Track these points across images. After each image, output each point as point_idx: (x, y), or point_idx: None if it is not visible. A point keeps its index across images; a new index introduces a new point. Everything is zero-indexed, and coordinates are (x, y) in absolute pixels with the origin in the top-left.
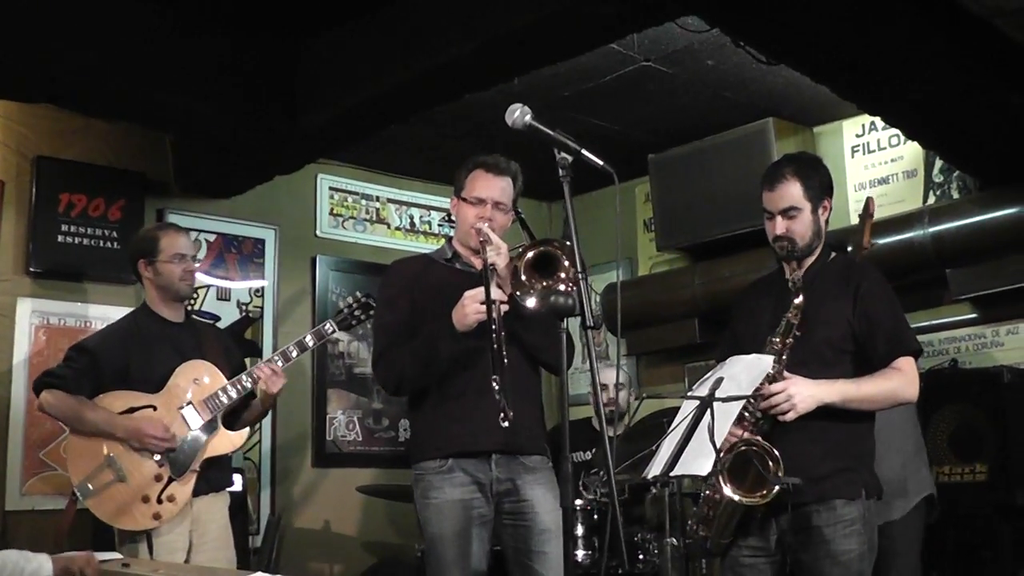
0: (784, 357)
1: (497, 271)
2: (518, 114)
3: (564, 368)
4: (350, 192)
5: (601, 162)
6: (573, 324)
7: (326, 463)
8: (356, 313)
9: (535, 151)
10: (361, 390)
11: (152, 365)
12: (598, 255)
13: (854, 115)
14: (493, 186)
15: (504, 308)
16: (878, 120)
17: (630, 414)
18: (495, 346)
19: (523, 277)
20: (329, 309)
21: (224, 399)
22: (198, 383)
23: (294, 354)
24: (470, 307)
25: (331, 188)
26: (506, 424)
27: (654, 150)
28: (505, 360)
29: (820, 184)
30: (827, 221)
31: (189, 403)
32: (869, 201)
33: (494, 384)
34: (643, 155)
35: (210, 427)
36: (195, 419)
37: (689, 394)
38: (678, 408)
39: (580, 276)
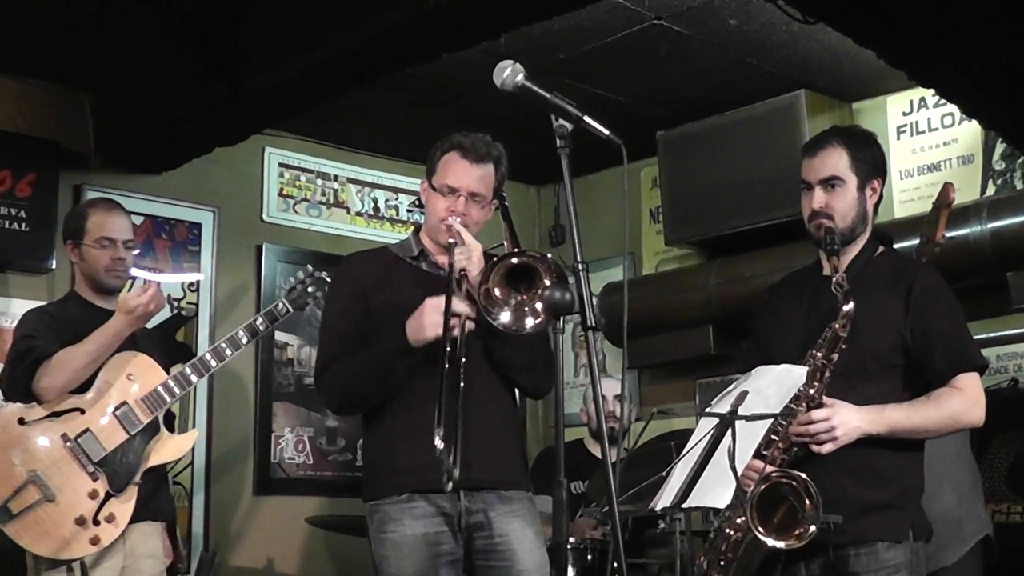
0: (826, 376)
1: (468, 278)
2: (509, 72)
3: (547, 389)
4: (303, 170)
5: (607, 131)
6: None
7: (270, 489)
8: (311, 290)
9: (523, 125)
10: (313, 404)
11: None
12: (596, 249)
13: (901, 89)
14: (469, 174)
15: (470, 325)
16: (929, 95)
17: (631, 436)
18: (442, 380)
19: (496, 291)
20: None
21: (167, 397)
22: (132, 379)
23: (244, 341)
24: (429, 318)
25: (281, 164)
26: (449, 488)
27: (664, 126)
28: (461, 388)
29: (871, 160)
30: (876, 208)
31: (124, 403)
32: (948, 187)
33: (437, 437)
34: (651, 132)
35: (151, 431)
36: (133, 421)
37: (707, 410)
38: (687, 431)
39: (580, 267)
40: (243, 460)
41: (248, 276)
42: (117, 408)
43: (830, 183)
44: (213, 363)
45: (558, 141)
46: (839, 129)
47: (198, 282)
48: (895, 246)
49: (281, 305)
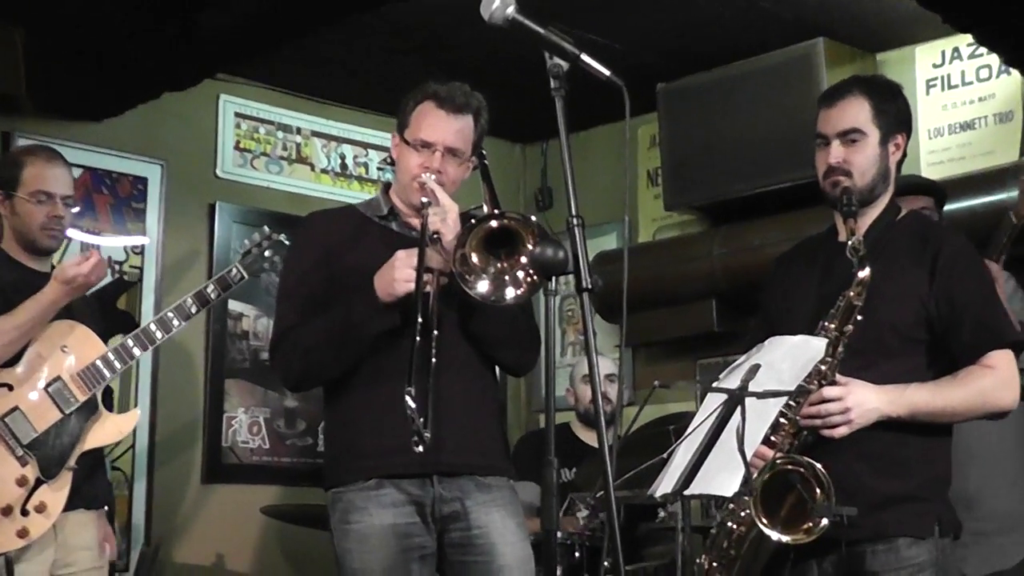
0: (840, 350)
1: (442, 241)
2: (498, 4)
3: (531, 365)
4: (262, 120)
5: (607, 71)
6: (541, 316)
7: (221, 477)
8: (267, 254)
9: (508, 74)
10: (270, 382)
11: None
12: (587, 214)
13: (931, 38)
14: (445, 127)
15: (443, 281)
16: (964, 45)
17: (623, 422)
18: (418, 337)
19: (473, 257)
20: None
21: (107, 372)
22: (67, 351)
23: (193, 310)
24: (400, 271)
25: (237, 114)
26: (420, 449)
27: (665, 78)
28: (434, 357)
29: (896, 113)
30: (899, 166)
31: (58, 378)
32: None
33: (407, 398)
34: (650, 84)
35: (88, 409)
36: (68, 399)
37: (715, 385)
38: (687, 415)
39: (574, 223)
40: (191, 444)
41: (199, 238)
42: (50, 384)
43: (849, 136)
44: (158, 335)
45: (552, 82)
46: (861, 78)
47: (143, 244)
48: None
49: (235, 271)
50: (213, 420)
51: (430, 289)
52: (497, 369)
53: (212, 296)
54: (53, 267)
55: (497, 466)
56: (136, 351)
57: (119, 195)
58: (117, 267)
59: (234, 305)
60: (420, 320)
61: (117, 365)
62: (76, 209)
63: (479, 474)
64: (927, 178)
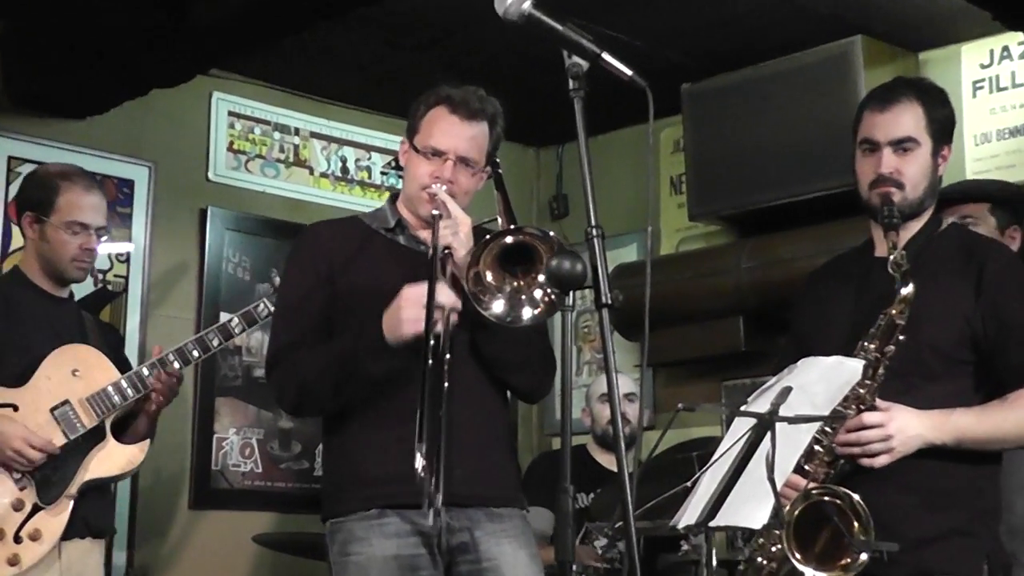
0: (880, 372)
1: (453, 258)
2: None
3: (545, 391)
4: (258, 120)
5: (629, 71)
6: (557, 332)
7: (210, 503)
8: None
9: (522, 74)
10: (263, 401)
11: (20, 348)
12: (606, 224)
13: (979, 36)
14: (459, 134)
15: (455, 319)
16: (1015, 44)
17: (644, 447)
18: (424, 383)
19: (487, 275)
20: (224, 284)
21: (118, 399)
22: (79, 375)
23: (214, 343)
24: (408, 312)
25: (231, 113)
26: (430, 515)
27: (690, 78)
28: (445, 389)
29: (945, 122)
30: (941, 178)
31: (66, 402)
32: None
33: (418, 454)
34: (674, 85)
35: (94, 436)
36: (74, 424)
37: (743, 409)
38: (711, 439)
39: (593, 233)
40: (178, 467)
41: (189, 246)
42: (56, 407)
43: (903, 145)
44: (176, 365)
45: (571, 82)
46: (910, 81)
47: (128, 253)
48: None
49: (263, 307)
50: (202, 441)
51: (440, 328)
52: (508, 394)
53: (236, 331)
54: (72, 296)
55: (508, 497)
56: (150, 380)
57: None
58: (100, 276)
59: (225, 318)
60: (431, 361)
61: (129, 393)
62: (105, 238)
63: (490, 505)
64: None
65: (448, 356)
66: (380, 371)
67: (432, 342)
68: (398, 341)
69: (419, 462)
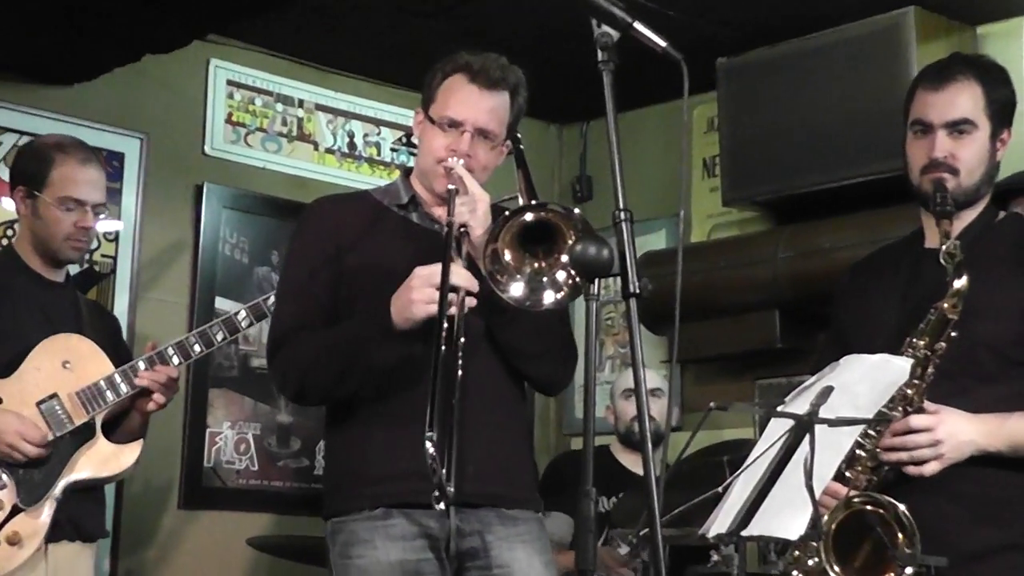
0: (929, 372)
1: (470, 236)
2: None
3: (565, 382)
4: (259, 90)
5: (663, 43)
6: (580, 324)
7: (202, 502)
8: None
9: (543, 44)
10: (260, 394)
11: (9, 335)
12: (634, 208)
13: None
14: (477, 104)
15: (471, 302)
16: None
17: (671, 449)
18: (436, 370)
19: (506, 255)
20: (220, 267)
21: (110, 395)
22: (70, 367)
23: (218, 337)
24: (419, 293)
25: (230, 82)
26: (441, 506)
27: (726, 51)
28: (458, 378)
29: (1006, 103)
30: (999, 164)
31: (54, 396)
32: None
33: (428, 444)
34: (709, 58)
35: (83, 434)
36: (62, 420)
37: (779, 409)
38: (744, 442)
39: (621, 217)
40: (168, 463)
41: (183, 225)
42: (43, 401)
43: (959, 127)
44: (175, 360)
45: (599, 54)
46: (968, 58)
47: (117, 231)
48: None
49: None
50: (194, 436)
51: (454, 311)
52: (526, 386)
53: (243, 324)
54: (69, 276)
55: (524, 498)
56: (141, 366)
57: None
58: (87, 256)
59: (221, 303)
60: (443, 347)
61: (123, 388)
62: (104, 216)
63: (503, 506)
64: None
65: (463, 340)
66: (388, 358)
67: (445, 326)
68: (408, 324)
69: (429, 448)
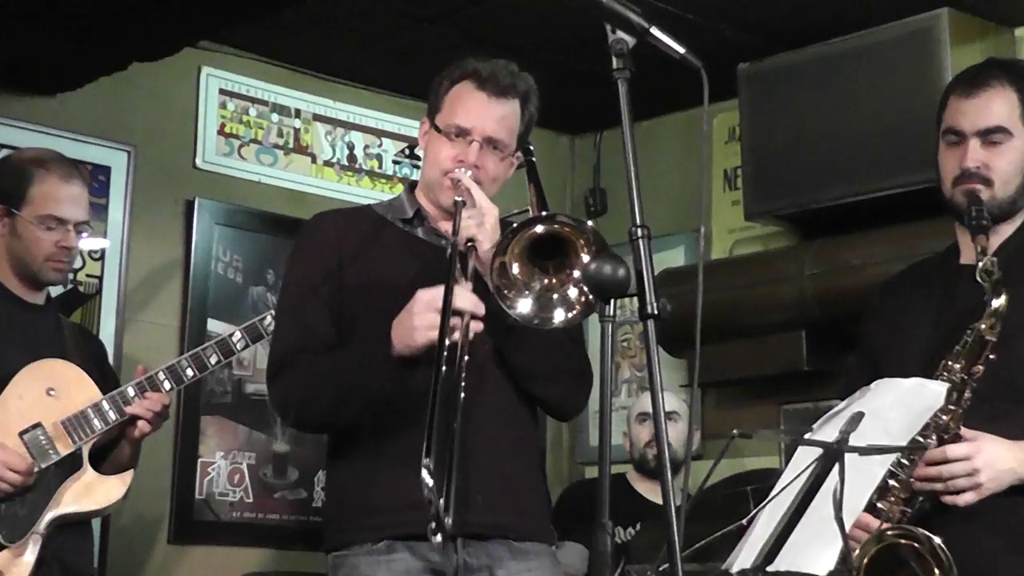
0: (966, 396)
1: (477, 251)
2: None
3: (578, 406)
4: (254, 100)
5: (681, 49)
6: (594, 340)
7: (193, 537)
8: None
9: (555, 51)
10: (256, 421)
11: None
12: (651, 223)
13: None
14: (486, 113)
15: (477, 326)
16: None
17: (691, 478)
18: (435, 394)
19: (514, 268)
20: (213, 287)
21: (97, 423)
22: (54, 395)
23: (212, 360)
24: (420, 319)
25: (223, 91)
26: (438, 539)
27: (748, 57)
28: (461, 401)
29: None
30: None
31: (37, 425)
32: None
33: (424, 472)
34: (730, 65)
35: (70, 465)
36: (46, 451)
37: (806, 437)
38: (769, 472)
39: (638, 234)
40: (157, 496)
41: (174, 242)
42: (26, 431)
43: (992, 136)
44: (166, 385)
45: (615, 61)
46: (1003, 63)
47: (103, 250)
48: None
49: (270, 319)
50: (184, 466)
51: (458, 336)
52: (538, 410)
53: (238, 347)
54: (50, 298)
55: (536, 529)
56: (136, 403)
57: None
58: (70, 276)
59: (213, 326)
60: (443, 367)
61: (111, 416)
62: (87, 234)
63: (513, 538)
64: None
65: (466, 358)
66: (390, 386)
67: (446, 350)
68: (410, 351)
69: (425, 476)
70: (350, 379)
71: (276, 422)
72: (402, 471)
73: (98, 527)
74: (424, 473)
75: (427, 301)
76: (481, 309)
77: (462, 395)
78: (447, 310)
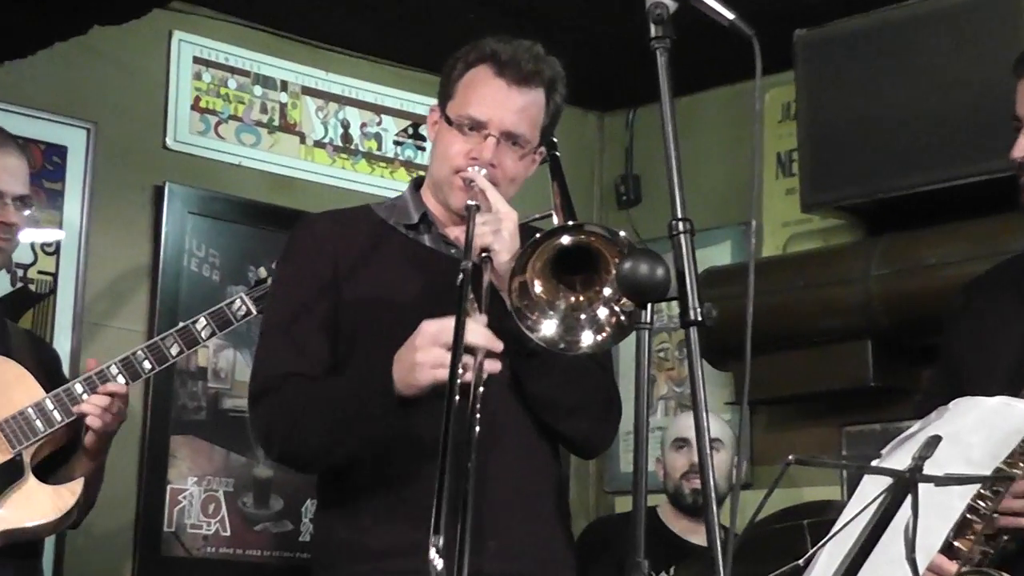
0: None
1: (493, 263)
2: None
3: (605, 443)
4: (233, 70)
5: (730, 14)
6: (627, 350)
7: (161, 574)
8: None
9: (579, 17)
10: (234, 441)
11: None
12: (693, 215)
13: None
14: (505, 103)
15: (492, 366)
16: None
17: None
18: (444, 453)
19: (536, 287)
20: (185, 286)
21: (40, 425)
22: None
23: (173, 351)
24: (425, 355)
25: (198, 60)
26: None
27: (806, 23)
28: (475, 436)
29: None
30: None
31: None
32: None
33: (432, 552)
34: (785, 33)
35: (9, 474)
36: None
37: (873, 464)
38: (829, 504)
39: (679, 228)
40: (119, 527)
41: (140, 233)
42: None
43: None
44: (120, 379)
45: (652, 28)
46: None
47: (57, 242)
48: None
49: (239, 303)
50: (151, 494)
51: (470, 378)
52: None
53: (203, 335)
54: None
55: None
56: (78, 389)
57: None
58: (20, 272)
59: (190, 319)
60: (456, 398)
61: (56, 416)
62: (30, 211)
63: None
64: None
65: (480, 389)
66: (391, 427)
67: (457, 398)
68: (412, 391)
69: (435, 563)
70: (346, 412)
71: (258, 444)
72: (400, 510)
73: (51, 562)
74: (432, 554)
75: (433, 334)
76: (498, 346)
77: (476, 429)
78: (458, 346)
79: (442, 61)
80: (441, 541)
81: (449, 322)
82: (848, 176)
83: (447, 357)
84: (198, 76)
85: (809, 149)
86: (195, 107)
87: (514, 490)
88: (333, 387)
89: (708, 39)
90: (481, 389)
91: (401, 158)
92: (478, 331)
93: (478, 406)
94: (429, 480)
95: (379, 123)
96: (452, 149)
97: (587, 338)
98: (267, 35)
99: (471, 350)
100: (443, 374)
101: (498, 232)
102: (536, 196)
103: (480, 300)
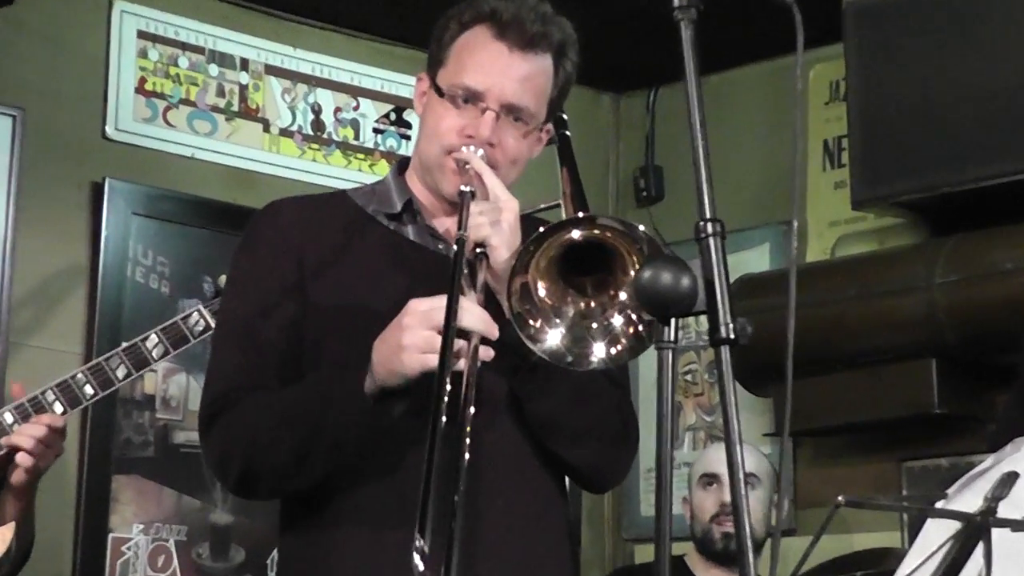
0: None
1: (489, 260)
2: None
3: (619, 475)
4: (185, 46)
5: None
6: (647, 373)
7: None
8: None
9: None
10: (187, 482)
11: None
12: (724, 213)
13: None
14: (507, 69)
15: (486, 353)
16: None
17: (784, 560)
18: (431, 451)
19: (540, 289)
20: (129, 300)
21: None
22: None
23: (119, 373)
24: (412, 336)
25: (143, 34)
26: None
27: None
28: (465, 464)
29: None
30: None
31: None
32: None
33: (416, 557)
34: (831, 2)
35: None
36: None
37: (939, 506)
38: (887, 552)
39: (709, 231)
40: None
41: (76, 237)
42: None
43: None
44: (57, 408)
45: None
46: None
47: None
48: None
49: (196, 317)
50: (90, 544)
51: (464, 366)
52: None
53: (154, 355)
54: None
55: None
56: (7, 419)
57: None
58: None
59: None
60: (443, 419)
61: None
62: None
63: None
64: None
65: (472, 410)
66: (369, 431)
67: (448, 387)
68: (397, 381)
69: (418, 566)
70: (314, 422)
71: (216, 484)
72: (377, 546)
73: None
74: (416, 559)
75: (422, 314)
76: (494, 330)
77: (467, 456)
78: (450, 329)
79: (429, 35)
80: (427, 547)
81: (441, 300)
82: (907, 167)
83: (437, 341)
84: (143, 53)
85: (861, 135)
86: (140, 90)
87: (512, 528)
88: (300, 389)
89: (741, 7)
90: (472, 410)
91: (382, 148)
92: (472, 311)
93: (471, 411)
94: (410, 515)
95: (356, 108)
96: (443, 125)
97: (599, 351)
98: (224, 5)
99: (465, 334)
100: (433, 361)
101: (496, 224)
102: (542, 182)
103: (475, 279)
